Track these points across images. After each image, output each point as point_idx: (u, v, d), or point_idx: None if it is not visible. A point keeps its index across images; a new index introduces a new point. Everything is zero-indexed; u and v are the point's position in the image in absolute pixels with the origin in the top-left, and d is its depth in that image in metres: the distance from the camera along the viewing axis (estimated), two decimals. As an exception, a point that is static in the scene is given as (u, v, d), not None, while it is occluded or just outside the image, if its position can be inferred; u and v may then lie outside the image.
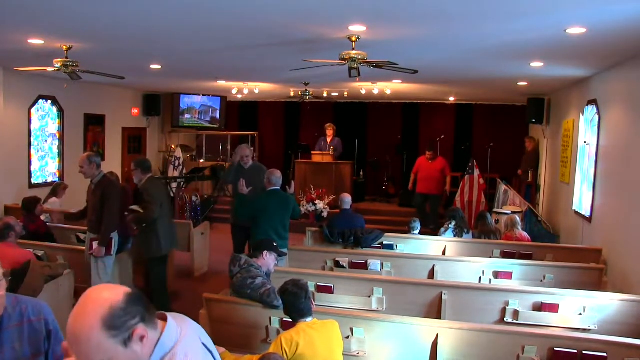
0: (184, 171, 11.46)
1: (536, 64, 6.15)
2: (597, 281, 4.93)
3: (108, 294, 1.32)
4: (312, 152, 10.97)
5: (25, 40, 5.33)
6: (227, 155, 12.98)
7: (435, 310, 4.21)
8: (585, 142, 7.12)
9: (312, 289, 4.20)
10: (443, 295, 4.17)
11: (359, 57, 4.79)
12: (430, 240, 6.25)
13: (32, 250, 4.98)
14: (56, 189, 7.64)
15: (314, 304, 3.09)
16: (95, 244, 4.93)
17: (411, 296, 4.30)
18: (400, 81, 8.62)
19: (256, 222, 5.17)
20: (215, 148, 13.47)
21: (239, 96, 12.07)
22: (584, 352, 3.11)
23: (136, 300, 1.33)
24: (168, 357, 1.35)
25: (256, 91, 10.30)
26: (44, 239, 5.88)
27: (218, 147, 13.41)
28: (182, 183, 10.63)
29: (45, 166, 9.16)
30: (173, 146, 12.18)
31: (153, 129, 12.43)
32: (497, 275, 4.99)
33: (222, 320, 3.78)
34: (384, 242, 6.02)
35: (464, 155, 11.80)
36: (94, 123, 10.37)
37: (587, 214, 6.63)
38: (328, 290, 4.42)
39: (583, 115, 7.21)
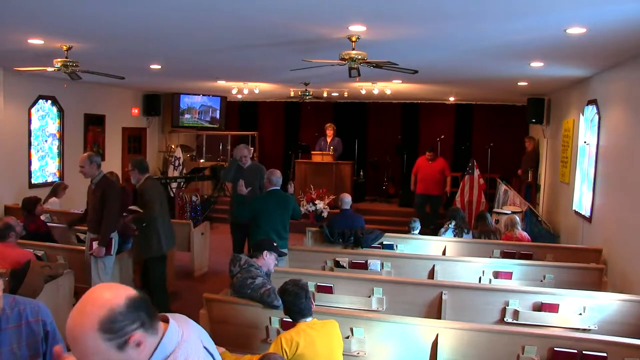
0: (184, 171, 11.47)
1: (536, 64, 6.15)
2: (597, 281, 4.93)
3: (110, 295, 1.31)
4: (312, 152, 10.97)
5: (25, 40, 5.33)
6: (227, 155, 12.99)
7: (435, 310, 4.21)
8: (585, 142, 7.11)
9: (312, 289, 4.20)
10: (443, 295, 4.17)
11: (359, 57, 4.79)
12: (430, 240, 6.25)
13: (32, 250, 4.98)
14: (56, 189, 7.66)
15: (314, 304, 3.09)
16: (95, 244, 4.93)
17: (411, 296, 4.30)
18: (400, 81, 8.62)
19: (256, 222, 5.17)
20: (215, 148, 13.47)
21: (239, 96, 12.07)
22: (584, 352, 3.11)
23: (138, 305, 1.32)
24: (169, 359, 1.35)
25: (256, 91, 10.30)
26: (44, 239, 5.88)
27: (218, 147, 13.41)
28: (182, 183, 10.64)
29: (45, 166, 9.16)
30: (173, 146, 12.18)
31: (153, 129, 12.43)
32: (497, 275, 4.99)
33: (222, 320, 3.78)
34: (384, 242, 6.02)
35: (464, 155, 11.79)
36: (94, 123, 10.37)
37: (587, 214, 6.63)
38: (328, 290, 4.42)
39: (583, 115, 7.21)
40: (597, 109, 6.51)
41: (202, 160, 13.05)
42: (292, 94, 10.36)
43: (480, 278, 5.02)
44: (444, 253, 5.97)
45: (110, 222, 4.92)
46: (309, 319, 3.01)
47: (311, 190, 9.94)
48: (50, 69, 5.87)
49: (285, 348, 2.81)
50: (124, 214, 5.21)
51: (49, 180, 9.10)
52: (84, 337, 1.26)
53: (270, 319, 3.62)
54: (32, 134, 8.74)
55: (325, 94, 10.74)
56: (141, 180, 5.15)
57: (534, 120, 9.80)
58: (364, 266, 5.27)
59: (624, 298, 3.99)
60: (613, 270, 5.56)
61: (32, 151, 8.78)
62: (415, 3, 3.70)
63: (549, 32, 4.39)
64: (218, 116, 12.75)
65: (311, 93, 9.72)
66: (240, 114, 13.79)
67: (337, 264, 5.39)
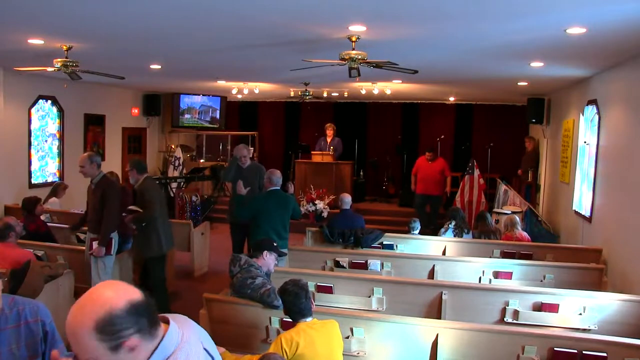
0: (184, 171, 11.47)
1: (536, 64, 6.15)
2: (597, 281, 4.93)
3: (112, 294, 1.30)
4: (312, 152, 10.96)
5: (25, 40, 5.33)
6: (227, 155, 12.98)
7: (435, 310, 4.21)
8: (585, 142, 7.11)
9: (312, 289, 4.20)
10: (443, 295, 4.17)
11: (359, 57, 4.79)
12: (430, 240, 6.25)
13: (32, 250, 4.98)
14: (56, 189, 7.66)
15: (314, 304, 3.09)
16: (95, 244, 4.93)
17: (411, 296, 4.30)
18: (400, 81, 8.62)
19: (256, 222, 5.17)
20: (215, 148, 13.47)
21: (239, 96, 12.07)
22: (584, 352, 3.11)
23: (139, 311, 1.30)
24: None
25: (256, 91, 10.30)
26: (44, 239, 5.88)
27: (218, 147, 13.41)
28: (182, 183, 10.64)
29: (45, 166, 9.16)
30: (173, 146, 12.19)
31: (153, 129, 12.43)
32: (497, 275, 4.99)
33: (222, 320, 3.78)
34: (384, 242, 6.02)
35: (464, 155, 11.79)
36: (94, 123, 10.37)
37: (587, 214, 6.63)
38: (328, 290, 4.42)
39: (583, 115, 7.21)
40: (597, 109, 6.51)
41: (202, 160, 13.06)
42: (292, 94, 10.36)
43: (480, 278, 5.02)
44: (444, 253, 5.97)
45: (110, 222, 4.92)
46: (309, 319, 3.01)
47: (311, 190, 9.94)
48: (50, 69, 5.87)
49: (285, 348, 2.81)
50: (123, 214, 5.21)
51: (49, 180, 9.10)
52: (80, 334, 1.27)
53: (270, 319, 3.62)
54: (32, 134, 8.74)
55: (325, 94, 10.74)
56: (140, 180, 5.15)
57: (534, 120, 9.80)
58: (364, 266, 5.27)
59: (624, 298, 3.99)
60: (613, 270, 5.56)
61: (32, 151, 8.78)
62: (415, 3, 3.70)
63: (549, 32, 4.39)
64: (218, 116, 12.75)
65: (311, 93, 9.72)
66: (240, 114, 13.79)
67: (337, 264, 5.38)
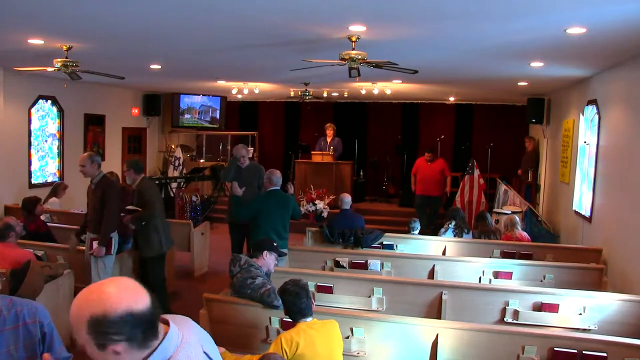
0: (184, 171, 11.47)
1: (536, 64, 6.15)
2: (597, 281, 4.93)
3: (114, 293, 1.30)
4: (312, 152, 10.96)
5: (25, 40, 5.33)
6: (227, 155, 12.98)
7: (435, 310, 4.21)
8: (585, 142, 7.11)
9: (312, 289, 4.19)
10: (443, 295, 4.18)
11: (359, 57, 4.79)
12: (430, 240, 6.25)
13: (32, 250, 4.98)
14: (56, 189, 7.66)
15: (314, 303, 3.09)
16: (95, 244, 4.93)
17: (411, 296, 4.30)
18: (400, 81, 8.62)
19: (256, 222, 5.17)
20: (215, 148, 13.47)
21: (239, 96, 12.07)
22: (584, 352, 3.11)
23: (135, 321, 1.29)
24: None
25: (256, 91, 10.30)
26: (44, 239, 5.88)
27: (218, 147, 13.41)
28: (182, 183, 10.64)
29: (45, 166, 9.16)
30: (173, 146, 12.19)
31: (153, 129, 12.43)
32: (497, 275, 4.99)
33: (222, 320, 3.78)
34: (384, 242, 6.02)
35: (464, 155, 11.79)
36: (94, 123, 10.37)
37: (587, 214, 6.63)
38: (328, 290, 4.42)
39: (583, 115, 7.21)
40: (597, 109, 6.51)
41: (202, 160, 13.06)
42: (292, 94, 10.36)
43: (480, 278, 5.02)
44: (444, 253, 5.97)
45: (110, 222, 4.92)
46: (309, 319, 3.01)
47: (311, 190, 9.94)
48: (50, 69, 5.87)
49: (285, 348, 2.80)
50: (122, 213, 5.21)
51: (49, 180, 9.10)
52: (77, 321, 1.30)
53: (270, 319, 3.62)
54: (32, 134, 8.74)
55: (325, 94, 10.73)
56: (137, 180, 5.16)
57: (534, 120, 9.80)
58: (364, 266, 5.27)
59: (624, 298, 3.99)
60: (613, 270, 5.56)
61: (32, 151, 8.78)
62: (415, 3, 3.70)
63: (549, 32, 4.39)
64: (218, 116, 12.74)
65: (311, 93, 9.72)
66: (240, 114, 13.79)
67: (337, 264, 5.39)
